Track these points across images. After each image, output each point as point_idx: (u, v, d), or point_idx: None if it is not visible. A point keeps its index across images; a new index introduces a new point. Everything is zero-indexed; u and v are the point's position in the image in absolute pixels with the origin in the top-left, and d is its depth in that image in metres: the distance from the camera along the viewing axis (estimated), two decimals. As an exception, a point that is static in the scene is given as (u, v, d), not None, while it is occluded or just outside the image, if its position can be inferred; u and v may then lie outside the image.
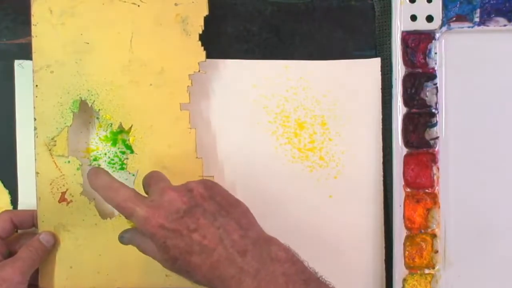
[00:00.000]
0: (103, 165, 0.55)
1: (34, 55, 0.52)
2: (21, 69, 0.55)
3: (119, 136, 0.55)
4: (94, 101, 0.52)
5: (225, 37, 0.55)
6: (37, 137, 0.52)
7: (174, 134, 0.53)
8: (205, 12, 0.53)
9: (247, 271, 0.42)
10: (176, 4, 0.53)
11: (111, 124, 0.53)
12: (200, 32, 0.53)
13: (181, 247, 0.42)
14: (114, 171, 0.55)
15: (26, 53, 0.55)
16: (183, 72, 0.53)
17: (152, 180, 0.46)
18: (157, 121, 0.52)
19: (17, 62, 0.55)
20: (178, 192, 0.44)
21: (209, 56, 0.53)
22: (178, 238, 0.42)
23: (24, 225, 0.52)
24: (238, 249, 0.42)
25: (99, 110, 0.52)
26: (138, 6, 0.53)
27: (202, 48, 0.53)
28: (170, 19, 0.53)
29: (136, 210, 0.43)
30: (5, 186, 0.55)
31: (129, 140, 0.53)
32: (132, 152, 0.54)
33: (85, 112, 0.54)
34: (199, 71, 0.53)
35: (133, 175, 0.53)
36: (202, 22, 0.53)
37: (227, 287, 0.42)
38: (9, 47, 0.56)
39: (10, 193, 0.55)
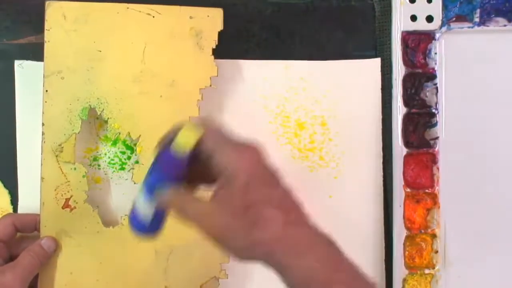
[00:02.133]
0: (103, 165, 0.55)
1: (45, 60, 0.52)
2: (21, 69, 0.55)
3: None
4: (103, 109, 0.52)
5: (225, 37, 0.54)
6: (44, 142, 0.52)
7: None
8: (220, 27, 0.53)
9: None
10: (191, 18, 0.53)
11: (119, 133, 0.52)
12: (214, 47, 0.53)
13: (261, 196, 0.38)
14: (114, 171, 0.55)
15: (26, 53, 0.55)
16: (194, 86, 0.53)
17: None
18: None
19: (17, 62, 0.55)
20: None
21: (213, 57, 0.53)
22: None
23: (26, 229, 0.52)
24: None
25: (108, 118, 0.52)
26: (153, 17, 0.52)
27: (215, 63, 0.53)
28: (184, 32, 0.53)
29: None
30: (5, 186, 0.55)
31: (130, 142, 0.53)
32: (132, 152, 0.54)
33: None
34: (210, 85, 0.53)
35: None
36: (216, 37, 0.53)
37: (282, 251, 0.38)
38: (9, 47, 0.56)
39: (10, 193, 0.55)
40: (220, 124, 0.41)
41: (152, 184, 0.41)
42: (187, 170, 0.41)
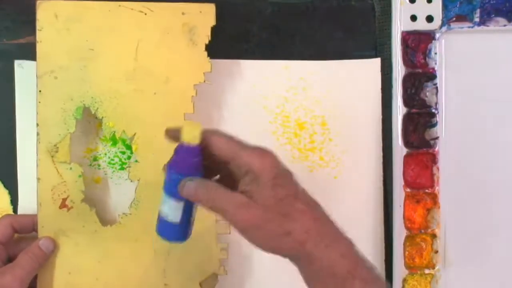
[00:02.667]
0: (103, 165, 0.55)
1: (38, 60, 0.52)
2: (21, 69, 0.55)
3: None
4: (97, 108, 0.52)
5: (225, 37, 0.55)
6: (39, 142, 0.52)
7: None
8: (213, 22, 0.53)
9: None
10: (183, 14, 0.52)
11: (114, 131, 0.52)
12: (207, 42, 0.53)
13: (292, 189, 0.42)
14: (114, 171, 0.55)
15: (26, 53, 0.55)
16: (188, 82, 0.52)
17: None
18: (160, 130, 0.52)
19: (17, 62, 0.55)
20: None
21: (209, 56, 0.53)
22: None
23: (24, 230, 0.52)
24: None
25: (102, 117, 0.52)
26: (145, 14, 0.52)
27: (208, 58, 0.53)
28: (177, 28, 0.53)
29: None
30: (5, 186, 0.55)
31: (129, 141, 0.53)
32: (132, 152, 0.54)
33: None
34: (204, 81, 0.53)
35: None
36: (209, 33, 0.53)
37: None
38: (9, 47, 0.56)
39: (10, 193, 0.55)
40: (224, 132, 0.43)
41: (173, 181, 0.42)
42: (202, 169, 0.42)
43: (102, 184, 0.55)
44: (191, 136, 0.41)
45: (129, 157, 0.54)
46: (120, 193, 0.55)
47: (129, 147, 0.54)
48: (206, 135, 0.42)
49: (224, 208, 0.41)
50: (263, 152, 0.42)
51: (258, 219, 0.40)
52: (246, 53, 0.57)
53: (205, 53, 0.53)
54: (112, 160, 0.55)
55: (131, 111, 0.52)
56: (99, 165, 0.55)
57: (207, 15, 0.53)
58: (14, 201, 0.55)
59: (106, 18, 0.52)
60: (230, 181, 0.42)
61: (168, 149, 0.52)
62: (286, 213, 0.40)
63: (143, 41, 0.52)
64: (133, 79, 0.52)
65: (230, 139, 0.42)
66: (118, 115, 0.52)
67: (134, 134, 0.52)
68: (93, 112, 0.52)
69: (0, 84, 0.55)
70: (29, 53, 0.54)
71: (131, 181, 0.53)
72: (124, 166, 0.55)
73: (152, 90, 0.52)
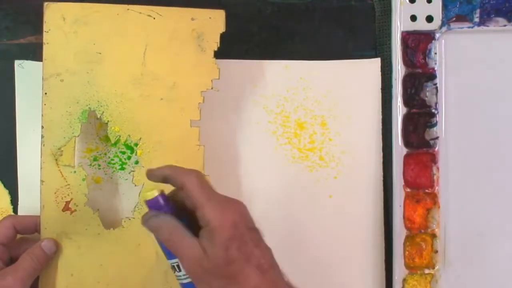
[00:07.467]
0: (103, 165, 0.55)
1: (44, 62, 0.51)
2: (21, 69, 0.55)
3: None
4: (103, 112, 0.52)
5: (225, 37, 0.55)
6: (43, 145, 0.51)
7: (182, 150, 0.52)
8: (222, 29, 0.52)
9: None
10: (192, 19, 0.52)
11: (119, 136, 0.52)
12: (216, 49, 0.52)
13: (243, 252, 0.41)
14: (114, 171, 0.55)
15: (26, 53, 0.55)
16: (196, 89, 0.52)
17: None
18: (166, 136, 0.52)
19: (17, 62, 0.55)
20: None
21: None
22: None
23: (27, 230, 0.52)
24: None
25: (108, 121, 0.52)
26: (154, 18, 0.52)
27: (216, 65, 0.52)
28: (185, 34, 0.52)
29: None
30: (5, 186, 0.55)
31: (134, 145, 0.53)
32: (132, 152, 0.54)
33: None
34: (212, 88, 0.53)
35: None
36: (218, 39, 0.52)
37: None
38: (9, 47, 0.56)
39: (10, 193, 0.55)
40: (202, 176, 0.43)
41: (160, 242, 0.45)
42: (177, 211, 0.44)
43: (103, 185, 0.55)
44: (149, 194, 0.44)
45: (129, 157, 0.54)
46: (124, 197, 0.55)
47: (129, 147, 0.54)
48: (182, 177, 0.43)
49: (178, 253, 0.42)
50: (225, 209, 0.41)
51: (205, 275, 0.41)
52: (246, 53, 0.57)
53: (214, 60, 0.52)
54: (112, 160, 0.55)
55: (137, 116, 0.52)
56: (99, 165, 0.55)
57: (216, 21, 0.52)
58: (14, 201, 0.55)
59: (114, 22, 0.52)
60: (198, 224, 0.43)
61: (172, 155, 0.52)
62: (232, 276, 0.40)
63: (151, 45, 0.52)
64: (139, 84, 0.52)
65: (201, 186, 0.42)
66: (124, 120, 0.52)
67: (140, 139, 0.52)
68: (98, 116, 0.52)
69: (0, 84, 0.55)
70: (30, 53, 0.55)
71: (135, 186, 0.53)
72: (124, 166, 0.55)
73: (159, 95, 0.52)
